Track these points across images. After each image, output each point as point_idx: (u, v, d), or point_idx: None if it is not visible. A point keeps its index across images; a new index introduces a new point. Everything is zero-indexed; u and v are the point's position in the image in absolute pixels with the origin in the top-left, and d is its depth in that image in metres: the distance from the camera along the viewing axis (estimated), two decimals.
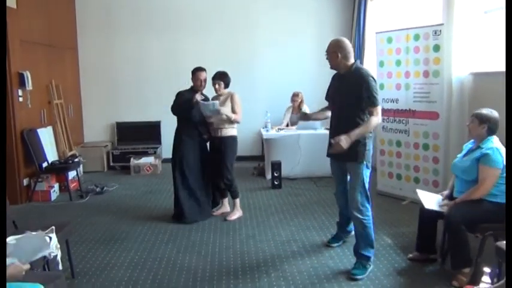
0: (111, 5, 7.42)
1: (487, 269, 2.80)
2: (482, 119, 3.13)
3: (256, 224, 4.48)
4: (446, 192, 3.44)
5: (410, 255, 3.51)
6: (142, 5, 7.43)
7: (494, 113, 3.15)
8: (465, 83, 4.46)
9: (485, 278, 2.70)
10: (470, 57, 4.46)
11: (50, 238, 2.70)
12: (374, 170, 5.60)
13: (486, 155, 3.05)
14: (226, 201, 4.87)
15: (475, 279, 2.89)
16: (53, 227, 2.78)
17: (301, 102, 6.74)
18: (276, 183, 5.88)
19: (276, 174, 5.88)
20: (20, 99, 5.32)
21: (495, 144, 3.08)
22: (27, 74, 5.32)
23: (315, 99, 7.37)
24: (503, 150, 3.04)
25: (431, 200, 3.36)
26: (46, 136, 5.87)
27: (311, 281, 3.21)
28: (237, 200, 4.74)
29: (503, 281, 2.37)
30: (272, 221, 4.57)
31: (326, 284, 3.16)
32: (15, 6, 5.22)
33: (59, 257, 2.76)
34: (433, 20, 4.85)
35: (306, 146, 6.27)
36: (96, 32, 7.43)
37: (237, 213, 4.69)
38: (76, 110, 7.23)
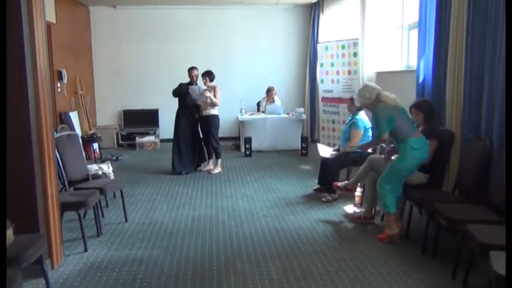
0: (117, 16, 9.35)
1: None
2: (353, 101, 5.16)
3: (232, 175, 6.53)
4: (336, 147, 5.48)
5: (315, 187, 5.52)
6: (144, 15, 9.38)
7: None
8: (372, 79, 6.53)
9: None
10: (375, 61, 6.51)
11: (109, 166, 4.69)
12: (318, 141, 7.68)
13: (354, 122, 5.07)
14: (211, 161, 6.89)
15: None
16: (109, 160, 4.76)
17: (275, 94, 8.73)
18: (247, 153, 7.91)
19: (247, 146, 7.91)
20: (59, 89, 7.24)
21: (360, 116, 5.09)
22: (64, 71, 7.24)
23: (281, 90, 9.38)
24: (365, 119, 5.05)
25: (325, 151, 5.37)
26: (74, 118, 7.79)
27: (264, 204, 5.26)
28: (219, 160, 6.77)
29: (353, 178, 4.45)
30: (242, 174, 6.61)
31: (273, 203, 5.20)
32: (55, 22, 7.13)
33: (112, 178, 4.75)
34: (354, 34, 6.91)
35: (271, 126, 8.29)
36: (106, 37, 9.35)
37: (218, 170, 6.71)
38: (91, 100, 9.14)
